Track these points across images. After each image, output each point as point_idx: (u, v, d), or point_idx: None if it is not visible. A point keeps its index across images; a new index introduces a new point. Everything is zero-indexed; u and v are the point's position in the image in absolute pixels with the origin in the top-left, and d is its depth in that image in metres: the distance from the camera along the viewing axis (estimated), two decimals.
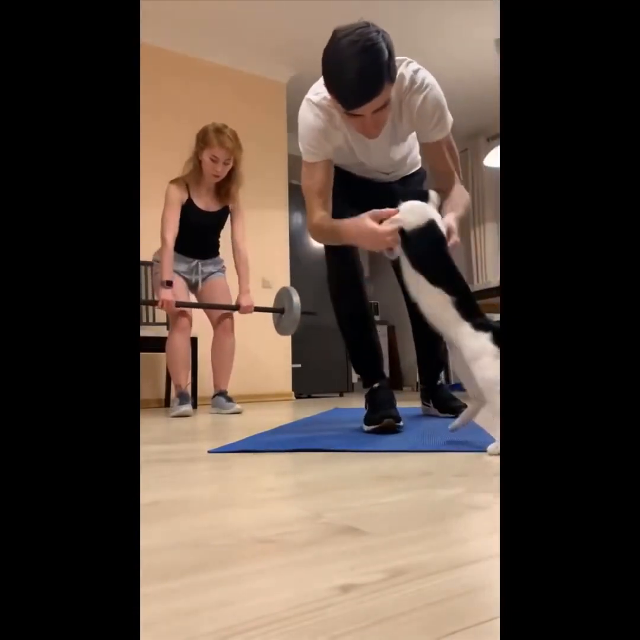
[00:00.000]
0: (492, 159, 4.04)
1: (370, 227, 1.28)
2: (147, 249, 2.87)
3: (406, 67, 1.43)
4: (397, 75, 1.38)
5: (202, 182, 2.74)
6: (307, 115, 1.51)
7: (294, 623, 0.37)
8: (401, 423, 1.53)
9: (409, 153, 1.81)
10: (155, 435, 1.76)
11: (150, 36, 3.81)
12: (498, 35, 3.93)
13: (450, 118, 1.53)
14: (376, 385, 1.68)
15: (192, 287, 2.87)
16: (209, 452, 1.24)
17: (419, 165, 1.94)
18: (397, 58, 1.38)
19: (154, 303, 2.76)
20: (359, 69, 1.23)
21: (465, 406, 1.91)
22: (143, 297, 3.40)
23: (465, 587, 0.42)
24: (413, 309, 1.90)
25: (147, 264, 3.25)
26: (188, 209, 2.74)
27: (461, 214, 1.41)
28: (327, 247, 1.78)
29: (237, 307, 2.80)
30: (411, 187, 1.86)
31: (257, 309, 2.81)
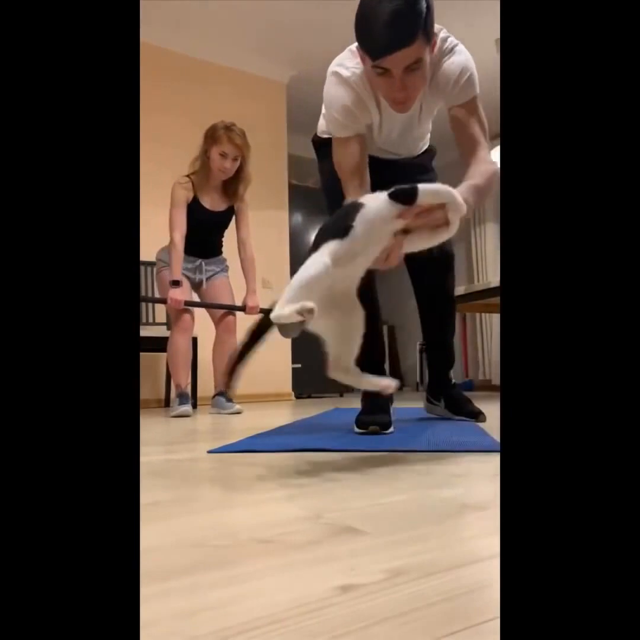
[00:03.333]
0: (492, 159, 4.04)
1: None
2: (149, 248, 2.87)
3: (439, 33, 1.39)
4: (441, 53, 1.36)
5: (210, 180, 2.74)
6: (337, 89, 1.45)
7: (294, 623, 0.37)
8: (390, 430, 1.49)
9: (427, 133, 1.77)
10: (155, 435, 1.76)
11: (150, 36, 3.81)
12: (498, 35, 3.93)
13: (477, 79, 1.48)
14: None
15: (196, 286, 2.87)
16: (209, 452, 1.24)
17: (428, 143, 1.89)
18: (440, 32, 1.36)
19: (162, 301, 2.75)
20: (392, 10, 1.16)
21: (482, 413, 1.86)
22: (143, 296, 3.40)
23: (465, 587, 0.42)
24: (421, 294, 1.88)
25: (147, 264, 3.25)
26: (194, 207, 2.73)
27: (478, 183, 1.32)
28: None
29: (243, 308, 2.80)
30: (420, 165, 1.80)
31: (263, 311, 2.81)
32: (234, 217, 2.88)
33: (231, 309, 2.80)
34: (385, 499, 0.73)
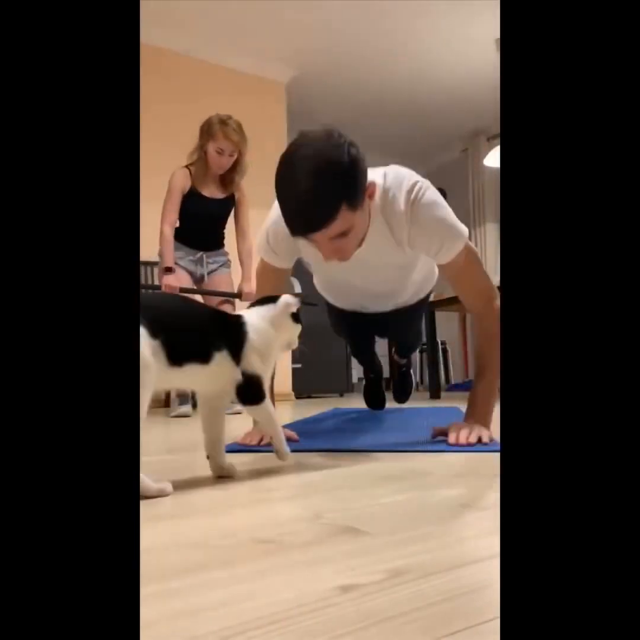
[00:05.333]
0: (492, 159, 4.04)
1: None
2: (149, 248, 2.86)
3: (400, 188, 1.21)
4: (387, 198, 1.20)
5: (207, 172, 2.73)
6: (277, 210, 1.23)
7: (294, 623, 0.37)
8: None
9: (413, 273, 1.52)
10: (155, 435, 1.76)
11: (150, 36, 3.81)
12: (498, 35, 3.93)
13: (459, 232, 1.23)
14: (364, 381, 1.94)
15: (197, 281, 2.85)
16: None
17: (429, 287, 1.75)
18: (396, 175, 1.21)
19: (156, 288, 2.75)
20: (305, 192, 1.00)
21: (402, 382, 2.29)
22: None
23: (465, 587, 0.42)
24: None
25: (147, 264, 3.25)
26: (192, 198, 2.72)
27: (492, 378, 1.27)
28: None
29: (239, 294, 2.80)
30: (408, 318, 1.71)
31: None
32: (233, 209, 2.87)
33: (227, 297, 2.79)
34: (385, 499, 0.73)
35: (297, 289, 2.23)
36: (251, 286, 2.78)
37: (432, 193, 1.22)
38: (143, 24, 3.69)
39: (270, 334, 0.99)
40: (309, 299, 2.52)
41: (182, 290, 2.65)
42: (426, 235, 1.22)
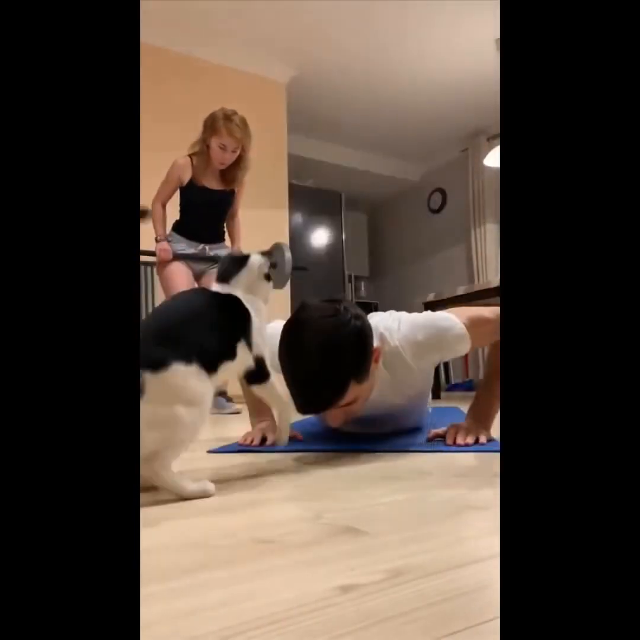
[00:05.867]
0: (492, 159, 4.04)
1: None
2: (149, 247, 2.86)
3: (392, 341, 1.19)
4: (387, 351, 1.18)
5: (209, 166, 2.73)
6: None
7: (295, 623, 0.37)
8: None
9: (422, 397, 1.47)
10: None
11: (150, 36, 3.81)
12: (498, 35, 3.93)
13: (454, 334, 1.17)
14: None
15: (197, 276, 2.84)
16: (208, 452, 1.24)
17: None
18: (384, 324, 1.21)
19: (151, 254, 2.75)
20: (314, 374, 0.99)
21: None
22: (143, 299, 3.40)
23: (465, 587, 0.42)
24: None
25: (147, 264, 3.25)
26: (192, 189, 2.71)
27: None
28: None
29: None
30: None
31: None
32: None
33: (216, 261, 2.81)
34: (385, 499, 0.73)
35: (288, 253, 2.13)
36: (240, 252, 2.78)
37: (406, 324, 1.21)
38: (143, 24, 3.69)
39: (262, 307, 0.99)
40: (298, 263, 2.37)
41: (176, 256, 2.67)
42: (431, 355, 1.21)
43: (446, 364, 5.61)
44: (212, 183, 2.75)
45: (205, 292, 1.01)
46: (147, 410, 0.72)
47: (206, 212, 2.80)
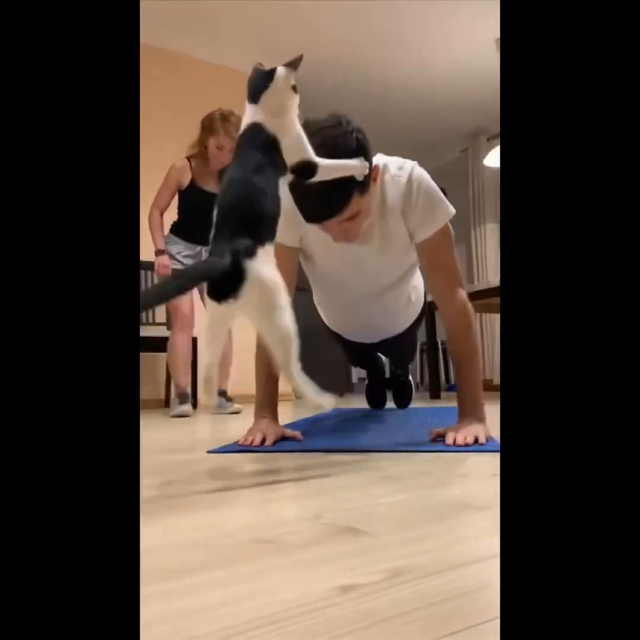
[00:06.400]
0: (492, 159, 4.04)
1: None
2: (148, 248, 2.86)
3: (397, 171, 1.28)
4: (387, 180, 1.27)
5: (207, 167, 2.73)
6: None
7: (294, 623, 0.37)
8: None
9: (410, 283, 1.60)
10: (155, 435, 1.76)
11: (150, 36, 3.81)
12: (498, 35, 3.93)
13: (448, 206, 1.31)
14: (367, 380, 2.14)
15: None
16: (209, 452, 1.24)
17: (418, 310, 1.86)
18: (388, 159, 1.28)
19: (149, 267, 2.76)
20: (319, 181, 1.03)
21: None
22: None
23: (465, 587, 0.42)
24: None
25: (147, 265, 3.25)
26: (191, 191, 2.72)
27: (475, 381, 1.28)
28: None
29: None
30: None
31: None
32: None
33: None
34: (385, 499, 0.73)
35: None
36: None
37: (424, 171, 1.30)
38: (143, 24, 3.69)
39: (294, 119, 1.03)
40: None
41: (171, 256, 2.68)
42: (420, 201, 1.28)
43: (446, 364, 5.60)
44: (211, 184, 2.76)
45: (239, 157, 0.98)
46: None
47: (204, 214, 2.79)
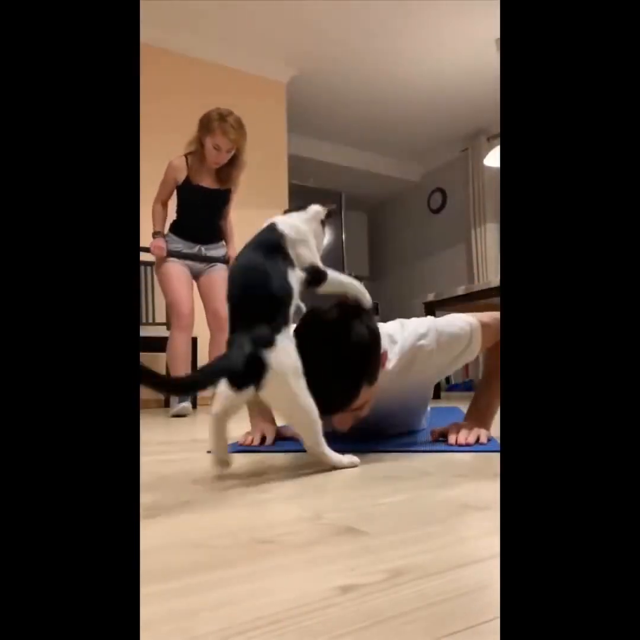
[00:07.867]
0: (492, 159, 4.04)
1: None
2: (145, 243, 2.86)
3: (395, 355, 1.20)
4: (399, 354, 1.20)
5: (204, 165, 2.73)
6: None
7: (295, 623, 0.37)
8: None
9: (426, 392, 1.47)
10: (155, 435, 1.76)
11: (150, 36, 3.81)
12: (498, 35, 3.93)
13: (469, 336, 1.21)
14: None
15: (195, 276, 2.85)
16: (208, 452, 1.24)
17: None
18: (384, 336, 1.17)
19: (145, 250, 2.75)
20: (328, 377, 0.98)
21: None
22: (143, 299, 3.40)
23: (465, 587, 0.42)
24: None
25: (146, 264, 3.25)
26: (188, 188, 2.72)
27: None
28: None
29: (227, 261, 2.85)
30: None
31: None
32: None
33: (215, 261, 2.84)
34: (385, 499, 0.73)
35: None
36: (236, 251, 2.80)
37: (431, 339, 1.20)
38: (143, 24, 3.70)
39: (309, 232, 1.09)
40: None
41: (169, 254, 2.68)
42: (439, 357, 1.22)
43: None
44: (208, 181, 2.76)
45: (253, 249, 0.99)
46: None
47: (202, 210, 2.80)
